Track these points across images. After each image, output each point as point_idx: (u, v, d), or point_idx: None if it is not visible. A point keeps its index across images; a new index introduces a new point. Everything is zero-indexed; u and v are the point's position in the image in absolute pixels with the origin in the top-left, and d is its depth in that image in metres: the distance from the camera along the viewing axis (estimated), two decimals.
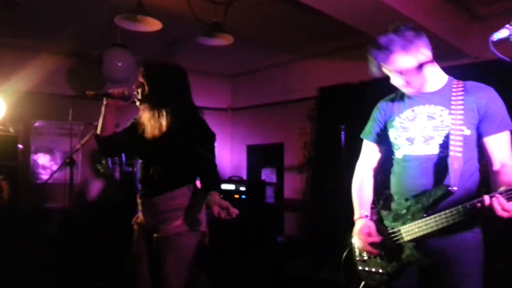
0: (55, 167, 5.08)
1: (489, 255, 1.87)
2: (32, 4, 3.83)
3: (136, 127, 2.47)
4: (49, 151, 5.27)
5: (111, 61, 4.51)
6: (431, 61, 1.87)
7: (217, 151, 2.52)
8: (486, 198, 1.59)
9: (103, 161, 5.33)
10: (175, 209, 2.29)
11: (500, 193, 1.57)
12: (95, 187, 5.42)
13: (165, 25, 3.51)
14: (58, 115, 5.26)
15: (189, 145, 2.30)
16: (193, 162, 2.33)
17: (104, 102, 2.45)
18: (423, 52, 1.84)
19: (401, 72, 1.84)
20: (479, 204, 1.61)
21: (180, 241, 2.27)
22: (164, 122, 2.32)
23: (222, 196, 2.22)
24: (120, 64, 4.51)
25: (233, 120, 6.85)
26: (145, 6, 3.30)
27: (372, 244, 1.92)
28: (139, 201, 2.42)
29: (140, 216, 2.45)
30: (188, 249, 2.30)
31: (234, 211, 2.11)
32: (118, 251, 4.37)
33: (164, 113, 2.33)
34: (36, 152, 5.20)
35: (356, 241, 2.01)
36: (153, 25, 3.47)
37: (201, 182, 2.35)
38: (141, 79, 2.38)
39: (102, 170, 5.37)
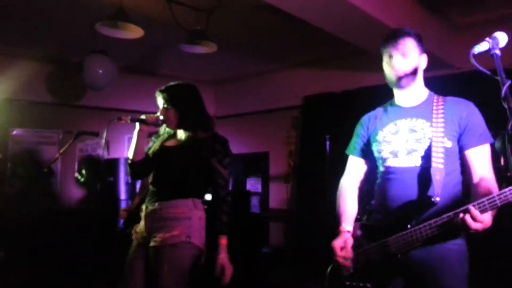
0: None
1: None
2: (9, 9, 3.76)
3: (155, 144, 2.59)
4: None
5: (91, 68, 4.43)
6: (423, 68, 1.94)
7: None
8: (461, 214, 1.61)
9: (83, 171, 5.22)
10: (174, 218, 2.33)
11: (473, 206, 1.59)
12: (76, 195, 5.32)
13: (147, 32, 3.46)
14: (37, 123, 5.17)
15: (208, 159, 2.41)
16: (206, 177, 2.43)
17: (137, 128, 2.52)
18: (423, 57, 1.93)
19: (405, 54, 1.89)
20: (461, 214, 1.62)
21: (176, 252, 2.29)
22: (190, 137, 2.46)
23: (227, 216, 2.37)
24: (101, 71, 4.43)
25: (217, 129, 6.70)
26: (126, 12, 3.24)
27: (343, 258, 1.91)
28: (142, 207, 2.47)
29: (140, 225, 2.47)
30: (184, 260, 2.31)
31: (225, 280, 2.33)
32: (98, 260, 4.29)
33: (191, 129, 2.48)
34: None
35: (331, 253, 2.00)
36: (134, 32, 3.41)
37: (215, 207, 2.42)
38: (166, 104, 2.49)
39: (82, 180, 5.26)
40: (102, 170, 5.10)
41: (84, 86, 4.70)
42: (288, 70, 5.72)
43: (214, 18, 3.71)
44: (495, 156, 3.41)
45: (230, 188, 2.55)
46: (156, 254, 2.28)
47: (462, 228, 1.62)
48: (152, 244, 2.32)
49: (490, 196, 1.58)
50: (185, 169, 2.40)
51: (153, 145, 2.61)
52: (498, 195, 1.56)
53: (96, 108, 5.57)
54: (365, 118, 2.14)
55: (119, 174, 4.96)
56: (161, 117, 2.49)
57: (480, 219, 1.56)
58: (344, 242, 1.92)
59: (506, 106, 1.34)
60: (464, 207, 1.62)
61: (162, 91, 2.53)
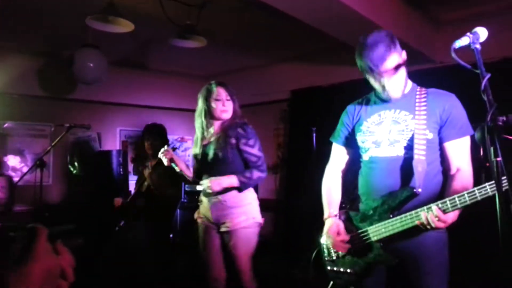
0: (26, 169, 4.99)
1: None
2: (0, 3, 3.76)
3: (199, 143, 2.91)
4: (20, 152, 5.16)
5: (82, 62, 4.45)
6: (405, 64, 1.92)
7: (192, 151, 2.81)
8: (423, 214, 1.70)
9: (76, 163, 5.26)
10: (239, 206, 2.70)
11: (436, 205, 1.67)
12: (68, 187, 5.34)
13: (138, 26, 3.49)
14: (28, 116, 5.17)
15: (237, 144, 2.73)
16: (244, 160, 2.76)
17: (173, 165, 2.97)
18: (403, 54, 1.90)
19: (387, 72, 1.84)
20: (424, 213, 1.70)
21: (247, 233, 2.69)
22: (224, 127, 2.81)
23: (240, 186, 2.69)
24: (91, 64, 4.46)
25: None
26: (117, 6, 3.27)
27: (341, 242, 1.97)
28: (204, 199, 2.84)
29: (202, 211, 2.86)
30: (254, 237, 2.73)
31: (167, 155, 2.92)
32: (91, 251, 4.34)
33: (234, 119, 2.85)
34: (6, 154, 5.08)
35: (326, 240, 2.05)
36: (125, 26, 3.43)
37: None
38: (231, 99, 2.88)
39: (74, 172, 5.29)
40: (94, 162, 5.12)
41: (75, 79, 4.72)
42: (277, 64, 5.79)
43: (204, 13, 3.76)
44: (475, 147, 3.55)
45: (263, 163, 2.84)
46: (231, 236, 2.68)
47: (427, 225, 1.70)
48: (224, 229, 2.71)
49: (451, 198, 1.65)
50: (229, 160, 2.70)
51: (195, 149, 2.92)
52: (459, 196, 1.63)
53: (88, 101, 5.60)
54: (350, 107, 2.15)
55: (111, 166, 5.00)
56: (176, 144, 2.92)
57: (443, 219, 1.65)
58: (337, 227, 1.98)
59: (485, 98, 1.34)
60: (428, 206, 1.70)
61: (223, 86, 2.89)
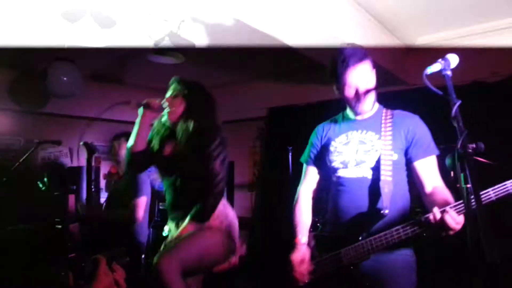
0: None
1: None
2: None
3: (163, 140, 2.45)
4: None
5: (56, 76, 4.36)
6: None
7: None
8: (436, 212, 1.64)
9: (45, 179, 5.10)
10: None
11: (450, 207, 1.64)
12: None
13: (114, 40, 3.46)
14: None
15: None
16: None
17: (141, 113, 2.39)
18: (373, 71, 1.95)
19: (365, 81, 1.90)
20: (438, 215, 1.64)
21: None
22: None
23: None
24: (65, 78, 4.37)
25: None
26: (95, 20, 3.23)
27: (301, 272, 1.95)
28: (172, 227, 2.41)
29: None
30: None
31: None
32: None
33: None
34: None
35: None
36: (102, 40, 3.40)
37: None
38: (180, 94, 2.46)
39: (43, 188, 5.13)
40: (64, 178, 4.99)
41: (48, 93, 4.61)
42: (254, 82, 5.81)
43: (181, 29, 3.75)
44: (445, 171, 3.61)
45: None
46: None
47: (437, 230, 1.65)
48: None
49: (459, 202, 1.62)
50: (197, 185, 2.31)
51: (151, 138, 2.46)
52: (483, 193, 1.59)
53: (59, 115, 5.47)
54: (319, 128, 2.18)
55: (82, 183, 4.88)
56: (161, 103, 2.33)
57: (459, 220, 1.61)
58: (302, 255, 1.97)
59: (456, 125, 1.36)
60: (426, 216, 1.67)
61: (178, 81, 2.57)
